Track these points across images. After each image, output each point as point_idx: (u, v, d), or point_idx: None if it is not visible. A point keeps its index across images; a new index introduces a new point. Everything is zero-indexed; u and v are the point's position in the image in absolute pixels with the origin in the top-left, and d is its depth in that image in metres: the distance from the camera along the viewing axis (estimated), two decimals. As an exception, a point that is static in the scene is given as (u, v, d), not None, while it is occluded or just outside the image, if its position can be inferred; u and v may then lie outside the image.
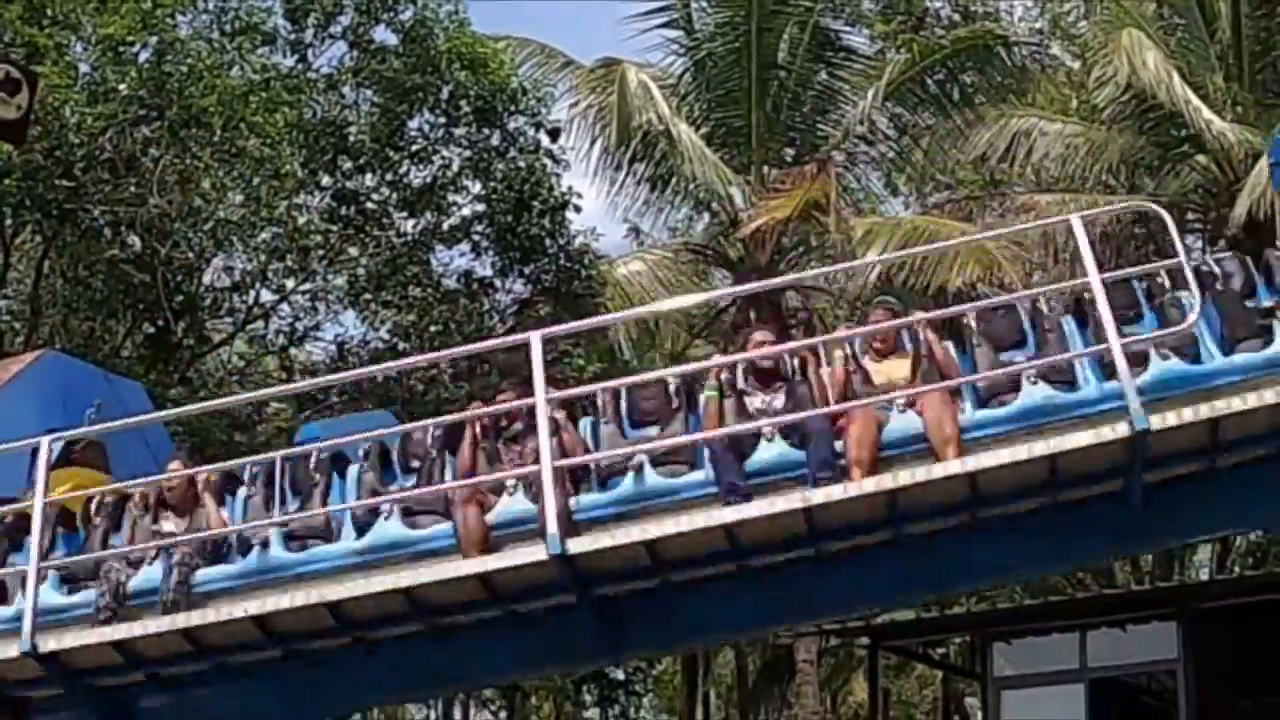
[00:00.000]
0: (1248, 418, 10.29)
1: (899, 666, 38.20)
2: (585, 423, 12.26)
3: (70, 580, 12.15)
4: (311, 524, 12.01)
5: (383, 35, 24.22)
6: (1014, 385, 11.02)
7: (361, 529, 11.78)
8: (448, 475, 11.95)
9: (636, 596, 11.30)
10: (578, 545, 10.48)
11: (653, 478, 11.20)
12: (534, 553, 10.47)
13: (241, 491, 12.62)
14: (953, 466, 10.34)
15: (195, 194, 21.73)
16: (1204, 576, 29.43)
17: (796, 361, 11.82)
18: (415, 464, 12.43)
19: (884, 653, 26.38)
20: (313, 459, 12.34)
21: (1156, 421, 9.96)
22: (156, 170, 21.03)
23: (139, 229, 21.65)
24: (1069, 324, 11.83)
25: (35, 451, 11.95)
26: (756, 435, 11.07)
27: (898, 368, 11.57)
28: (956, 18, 34.52)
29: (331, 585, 11.18)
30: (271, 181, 22.04)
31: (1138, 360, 10.66)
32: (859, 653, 31.66)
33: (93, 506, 12.66)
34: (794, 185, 25.02)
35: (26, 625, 11.03)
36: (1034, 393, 10.85)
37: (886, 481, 10.39)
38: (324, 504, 12.16)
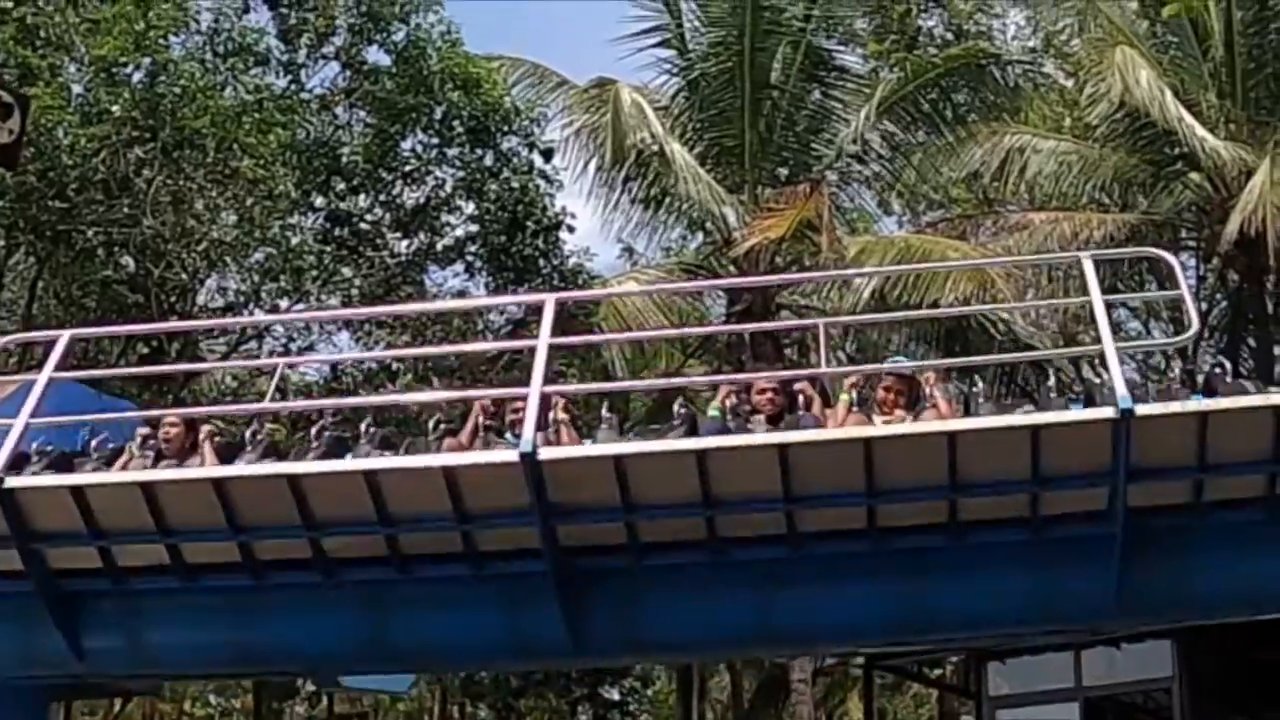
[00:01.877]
0: (1234, 424, 10.09)
1: (894, 686, 38.15)
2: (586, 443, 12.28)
3: None
4: None
5: (375, 56, 24.37)
6: None
7: None
8: None
9: (605, 580, 11.12)
10: (549, 453, 10.37)
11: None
12: (506, 455, 10.44)
13: (246, 458, 12.52)
14: (934, 425, 10.35)
15: (188, 215, 21.76)
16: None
17: (801, 399, 11.78)
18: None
19: (879, 672, 26.27)
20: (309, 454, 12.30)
21: (1141, 410, 9.80)
22: (150, 191, 21.05)
23: (132, 250, 21.68)
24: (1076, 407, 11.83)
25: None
26: None
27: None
28: (950, 36, 34.58)
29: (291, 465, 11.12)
30: (265, 202, 22.08)
31: None
32: (854, 672, 31.60)
33: (91, 445, 12.62)
34: (787, 205, 25.02)
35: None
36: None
37: (867, 430, 10.42)
38: None
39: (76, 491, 10.98)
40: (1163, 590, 10.80)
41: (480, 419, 11.93)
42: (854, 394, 11.61)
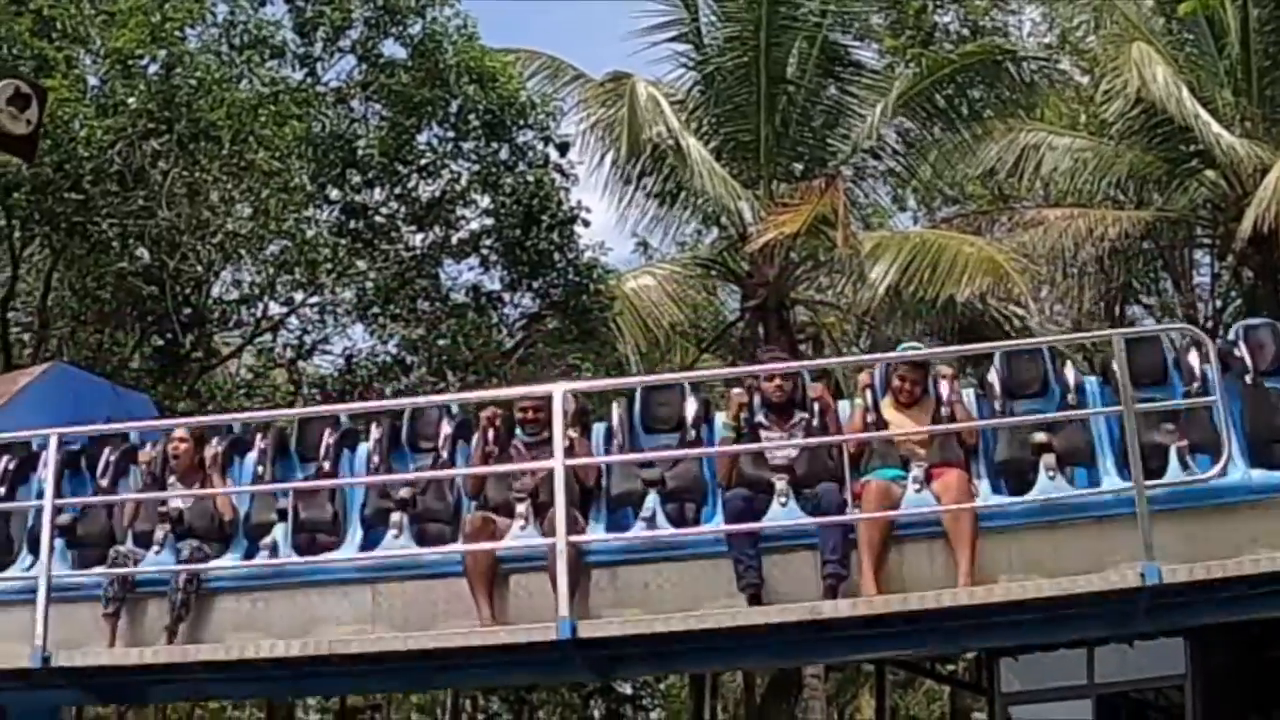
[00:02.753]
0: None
1: (906, 682, 38.22)
2: (599, 429, 12.30)
3: (72, 535, 12.25)
4: (318, 516, 12.11)
5: (391, 49, 24.24)
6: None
7: (368, 522, 11.91)
8: (458, 465, 12.17)
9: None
10: (590, 629, 10.67)
11: (661, 519, 11.32)
12: (545, 631, 10.64)
13: (250, 456, 12.68)
14: (962, 596, 10.50)
15: (204, 207, 21.71)
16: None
17: (817, 407, 11.81)
18: (424, 444, 12.49)
19: (891, 668, 26.31)
20: (323, 445, 12.44)
21: (1168, 575, 10.03)
22: (165, 183, 21.01)
23: (147, 242, 21.64)
24: (1092, 384, 11.85)
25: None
26: (769, 486, 11.13)
27: (917, 421, 11.59)
28: (965, 33, 34.55)
29: (336, 634, 11.44)
30: (280, 195, 22.03)
31: (1158, 454, 10.73)
32: (866, 668, 31.61)
33: (99, 466, 12.71)
34: (803, 200, 25.00)
35: (39, 638, 11.05)
36: (1049, 488, 10.89)
37: (895, 603, 10.59)
38: (333, 474, 12.32)
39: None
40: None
41: (491, 423, 12.01)
42: (868, 396, 11.67)
